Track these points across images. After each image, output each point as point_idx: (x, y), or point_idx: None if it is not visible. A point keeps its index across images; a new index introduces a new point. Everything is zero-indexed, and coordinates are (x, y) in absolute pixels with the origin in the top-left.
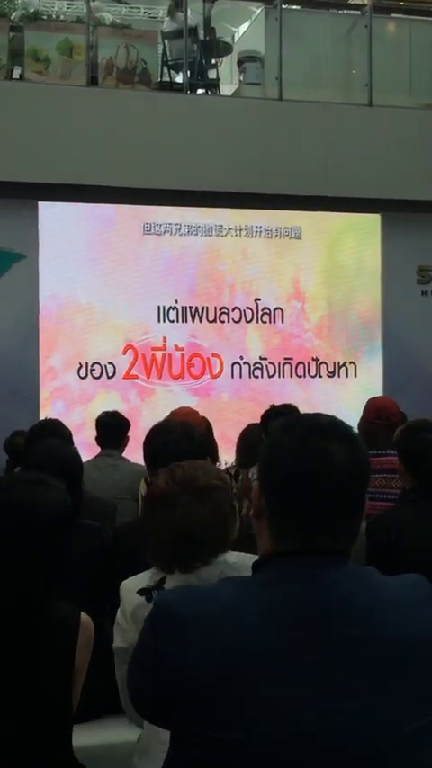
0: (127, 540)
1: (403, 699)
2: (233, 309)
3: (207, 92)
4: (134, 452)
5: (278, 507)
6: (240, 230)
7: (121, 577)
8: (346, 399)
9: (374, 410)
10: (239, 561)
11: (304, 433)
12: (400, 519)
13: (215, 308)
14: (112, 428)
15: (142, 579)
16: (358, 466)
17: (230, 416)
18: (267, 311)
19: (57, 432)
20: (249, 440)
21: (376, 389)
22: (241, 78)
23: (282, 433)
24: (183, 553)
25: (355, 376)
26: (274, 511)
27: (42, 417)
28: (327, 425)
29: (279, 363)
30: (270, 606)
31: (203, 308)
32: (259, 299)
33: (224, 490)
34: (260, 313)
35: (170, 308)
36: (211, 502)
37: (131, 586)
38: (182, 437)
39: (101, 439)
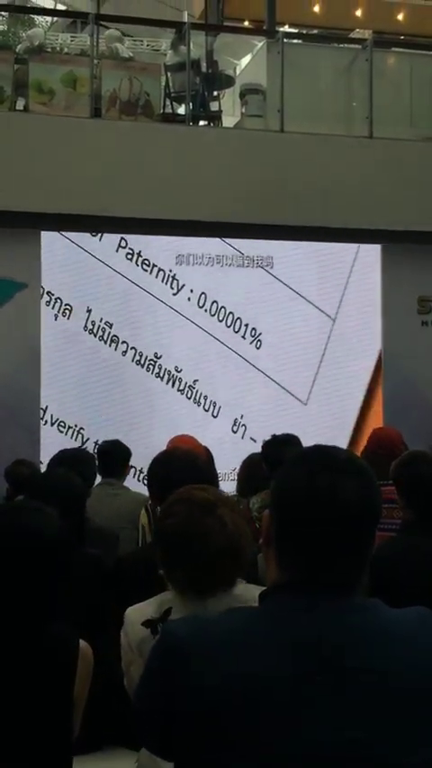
0: (129, 570)
1: (407, 731)
2: (233, 338)
3: (209, 123)
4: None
5: (287, 538)
6: (240, 260)
7: (123, 607)
8: None
9: (377, 440)
10: (245, 593)
11: (316, 467)
12: (402, 550)
13: (213, 334)
14: (112, 457)
15: (147, 609)
16: (369, 503)
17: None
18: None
19: (67, 461)
20: (250, 469)
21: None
22: (243, 110)
23: (294, 466)
24: (217, 570)
25: None
26: (282, 541)
27: (43, 445)
28: (340, 461)
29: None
30: (275, 637)
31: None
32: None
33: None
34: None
35: None
36: (242, 516)
37: (135, 618)
38: (185, 466)
39: (101, 467)
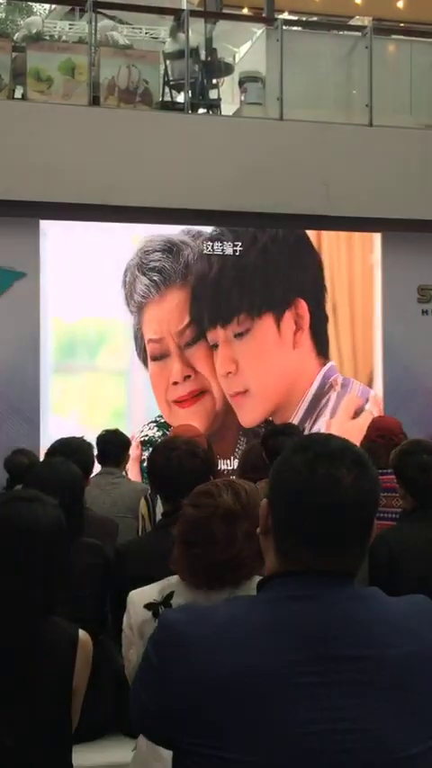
0: (129, 559)
1: (406, 720)
2: (236, 326)
3: (208, 111)
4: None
5: (285, 527)
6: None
7: (123, 596)
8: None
9: (376, 429)
10: (249, 583)
11: (314, 456)
12: (402, 538)
13: (214, 324)
14: (112, 446)
15: (150, 592)
16: (367, 492)
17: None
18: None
19: (64, 450)
20: (251, 458)
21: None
22: (242, 98)
23: (292, 454)
24: (224, 574)
25: None
26: (280, 530)
27: (43, 435)
28: (338, 450)
29: None
30: (273, 625)
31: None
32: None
33: None
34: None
35: None
36: None
37: (138, 600)
38: (185, 455)
39: (101, 457)
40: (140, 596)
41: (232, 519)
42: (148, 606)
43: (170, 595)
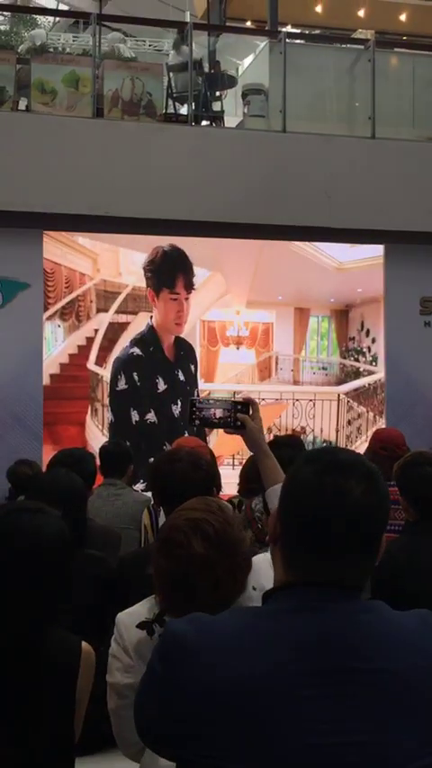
0: (131, 570)
1: (409, 734)
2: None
3: (211, 124)
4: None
5: (293, 538)
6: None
7: (125, 607)
8: None
9: (380, 440)
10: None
11: (325, 468)
12: (405, 550)
13: (219, 333)
14: (115, 457)
15: (140, 611)
16: (376, 505)
17: None
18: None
19: (66, 460)
20: (253, 469)
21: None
22: (245, 111)
23: (304, 465)
24: (212, 611)
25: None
26: (288, 540)
27: (45, 445)
28: (348, 462)
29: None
30: (278, 637)
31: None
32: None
33: (245, 539)
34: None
35: None
36: (246, 561)
37: (129, 621)
38: (189, 466)
39: (104, 468)
40: (131, 617)
41: (207, 566)
42: (142, 625)
43: (163, 612)
